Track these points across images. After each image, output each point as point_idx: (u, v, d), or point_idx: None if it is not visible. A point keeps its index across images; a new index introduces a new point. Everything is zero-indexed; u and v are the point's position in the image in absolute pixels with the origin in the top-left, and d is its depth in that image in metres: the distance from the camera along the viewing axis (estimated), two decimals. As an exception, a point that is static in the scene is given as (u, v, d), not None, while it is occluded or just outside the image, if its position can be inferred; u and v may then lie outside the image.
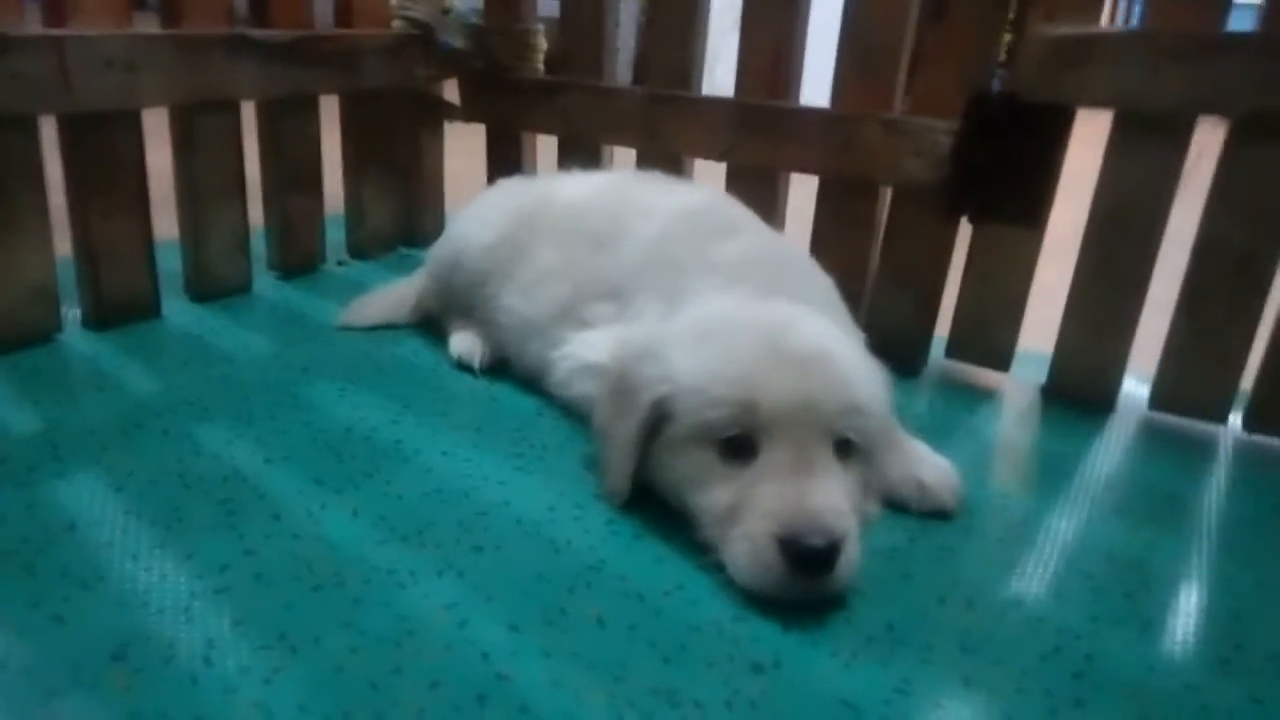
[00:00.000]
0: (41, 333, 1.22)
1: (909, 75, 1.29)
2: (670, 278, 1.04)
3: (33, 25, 1.13)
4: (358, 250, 1.71)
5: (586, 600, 0.79)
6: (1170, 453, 1.15)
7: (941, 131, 1.21)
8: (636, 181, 1.25)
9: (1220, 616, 0.83)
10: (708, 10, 1.44)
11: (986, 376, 1.36)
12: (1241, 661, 0.77)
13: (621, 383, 0.92)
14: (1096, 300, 1.24)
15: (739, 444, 0.83)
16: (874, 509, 0.93)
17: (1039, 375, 1.32)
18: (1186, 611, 0.83)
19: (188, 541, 0.83)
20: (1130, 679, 0.74)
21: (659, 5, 1.45)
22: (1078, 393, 1.28)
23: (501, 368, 1.24)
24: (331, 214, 1.64)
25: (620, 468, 0.91)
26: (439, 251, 1.31)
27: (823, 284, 1.10)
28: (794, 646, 0.75)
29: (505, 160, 1.70)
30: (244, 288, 1.48)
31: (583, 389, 1.04)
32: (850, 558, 0.78)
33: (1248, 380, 1.19)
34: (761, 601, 0.78)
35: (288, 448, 1.01)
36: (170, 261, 1.40)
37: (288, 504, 0.90)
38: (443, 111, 1.72)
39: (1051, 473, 1.08)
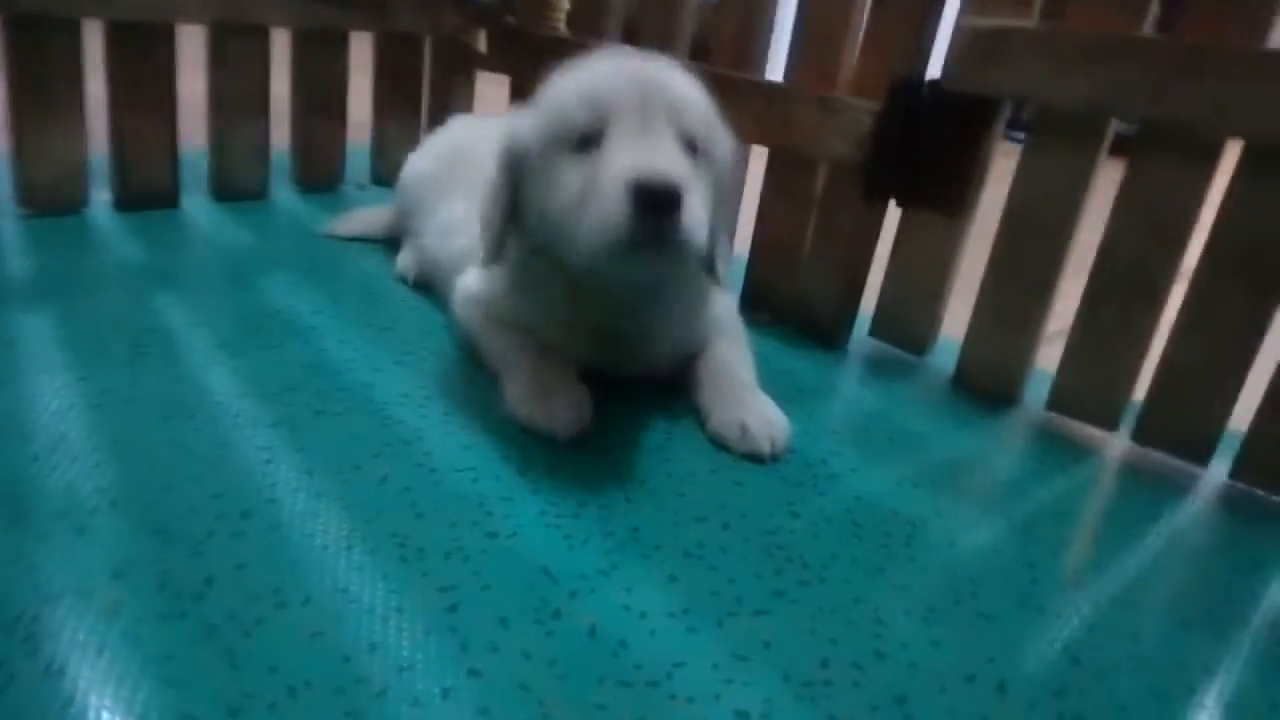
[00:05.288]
0: (71, 205, 1.45)
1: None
2: None
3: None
4: (380, 178, 1.89)
5: (384, 463, 0.92)
6: (1036, 450, 1.17)
7: (864, 111, 1.25)
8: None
9: (959, 577, 0.87)
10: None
11: (904, 359, 1.39)
12: (952, 618, 0.82)
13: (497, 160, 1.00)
14: (1004, 297, 1.26)
15: (587, 138, 0.89)
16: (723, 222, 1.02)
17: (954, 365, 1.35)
18: (927, 566, 0.88)
19: (90, 367, 1.01)
20: (825, 607, 0.80)
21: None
22: (983, 385, 1.30)
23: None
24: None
25: (494, 226, 1.00)
26: (401, 174, 1.47)
27: None
28: (535, 526, 0.85)
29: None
30: (261, 194, 1.67)
31: (465, 315, 1.16)
32: (694, 218, 0.84)
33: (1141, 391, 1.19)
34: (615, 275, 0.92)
35: (215, 317, 1.18)
36: (202, 166, 1.62)
37: (187, 355, 1.07)
38: (471, 59, 1.87)
39: (898, 446, 1.13)
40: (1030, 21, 1.16)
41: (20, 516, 0.75)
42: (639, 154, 0.86)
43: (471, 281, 1.17)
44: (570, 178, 0.90)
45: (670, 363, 1.13)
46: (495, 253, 1.03)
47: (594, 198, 0.85)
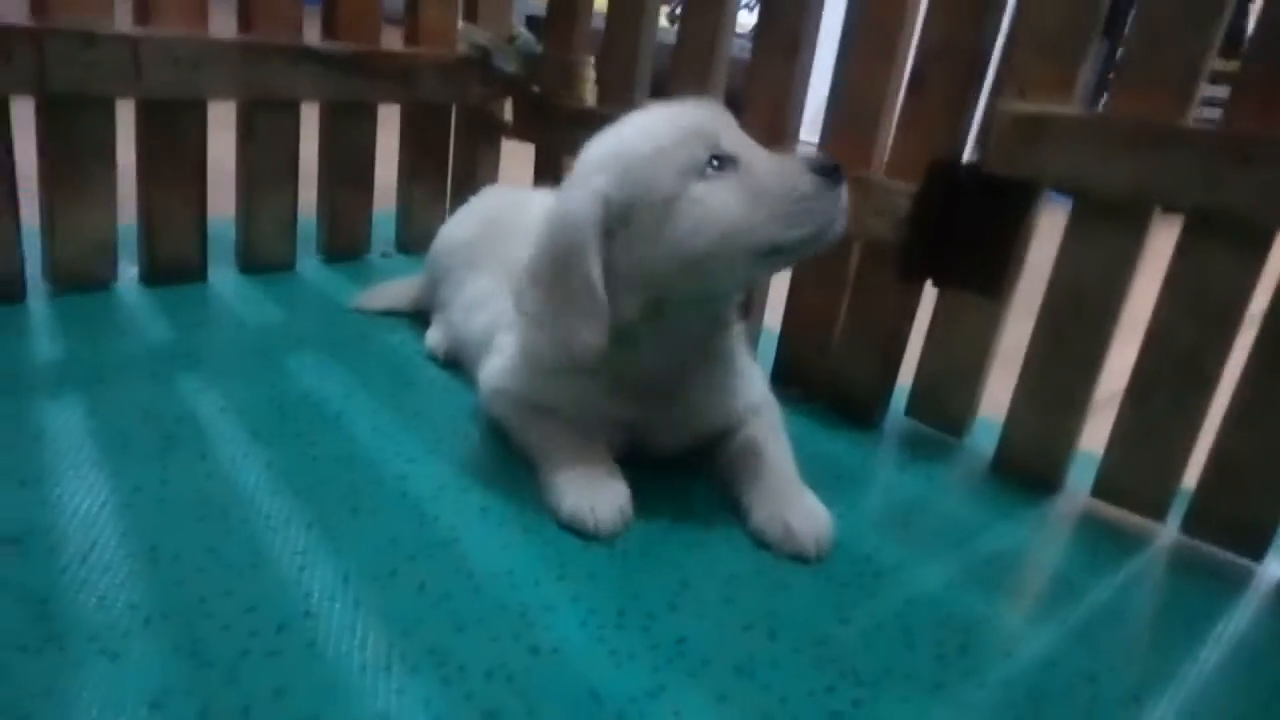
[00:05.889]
0: (99, 282, 1.44)
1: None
2: None
3: (123, 21, 1.35)
4: (405, 246, 1.88)
5: (421, 568, 0.89)
6: (1084, 541, 1.14)
7: (902, 193, 1.24)
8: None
9: (1019, 694, 0.84)
10: (725, 60, 1.52)
11: (941, 440, 1.36)
12: (1008, 736, 0.78)
13: (556, 237, 0.98)
14: (1048, 380, 1.23)
15: (708, 165, 0.96)
16: None
17: (993, 447, 1.32)
18: (985, 681, 0.85)
19: (120, 462, 0.99)
20: (882, 728, 0.77)
21: (683, 51, 1.54)
22: (1025, 469, 1.27)
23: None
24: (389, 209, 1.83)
25: (595, 307, 0.95)
26: (433, 244, 1.46)
27: None
28: (578, 639, 0.82)
29: (550, 180, 1.83)
30: (288, 266, 1.67)
31: (493, 406, 1.15)
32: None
33: (1191, 479, 1.16)
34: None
35: (245, 402, 1.16)
36: (228, 236, 1.62)
37: (218, 447, 1.05)
38: (497, 128, 1.87)
39: (942, 539, 1.10)
40: (1072, 108, 1.15)
41: (52, 640, 0.73)
42: (771, 155, 1.00)
43: (495, 370, 1.15)
44: (724, 195, 0.95)
45: (710, 434, 1.12)
46: (608, 325, 0.96)
47: (772, 193, 0.95)
